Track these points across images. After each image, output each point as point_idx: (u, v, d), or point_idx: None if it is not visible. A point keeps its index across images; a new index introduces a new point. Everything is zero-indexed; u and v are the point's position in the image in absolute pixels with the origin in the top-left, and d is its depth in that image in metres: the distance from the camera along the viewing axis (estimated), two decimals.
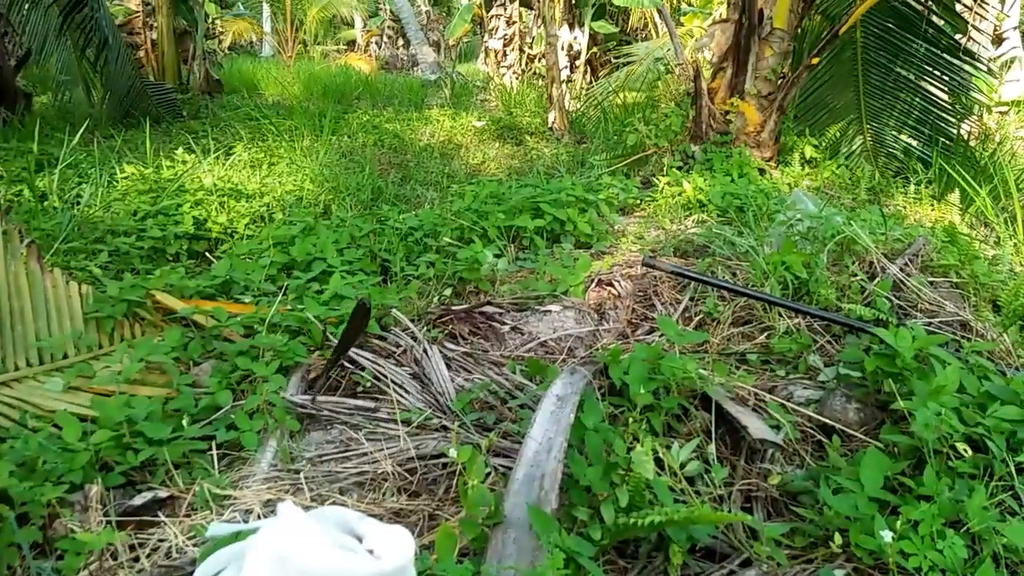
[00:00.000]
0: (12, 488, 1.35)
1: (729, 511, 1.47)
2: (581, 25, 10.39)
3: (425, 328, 2.28)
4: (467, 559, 1.28)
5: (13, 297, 2.01)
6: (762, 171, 4.46)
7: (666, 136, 4.94)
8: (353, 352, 2.06)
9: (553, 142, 7.20)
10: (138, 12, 8.49)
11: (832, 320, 2.12)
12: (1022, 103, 7.03)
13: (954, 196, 4.12)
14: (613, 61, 10.09)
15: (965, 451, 1.43)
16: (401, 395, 1.88)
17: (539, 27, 10.31)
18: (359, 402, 1.87)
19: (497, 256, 3.00)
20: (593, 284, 2.68)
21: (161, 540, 1.38)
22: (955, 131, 4.97)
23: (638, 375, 1.74)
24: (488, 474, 1.55)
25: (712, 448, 1.65)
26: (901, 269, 2.47)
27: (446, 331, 2.31)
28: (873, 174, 4.76)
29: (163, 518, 1.43)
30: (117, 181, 4.23)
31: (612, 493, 1.37)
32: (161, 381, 1.90)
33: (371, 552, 0.88)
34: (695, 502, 1.48)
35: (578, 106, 8.76)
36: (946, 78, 4.90)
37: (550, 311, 2.49)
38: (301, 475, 1.59)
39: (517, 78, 11.16)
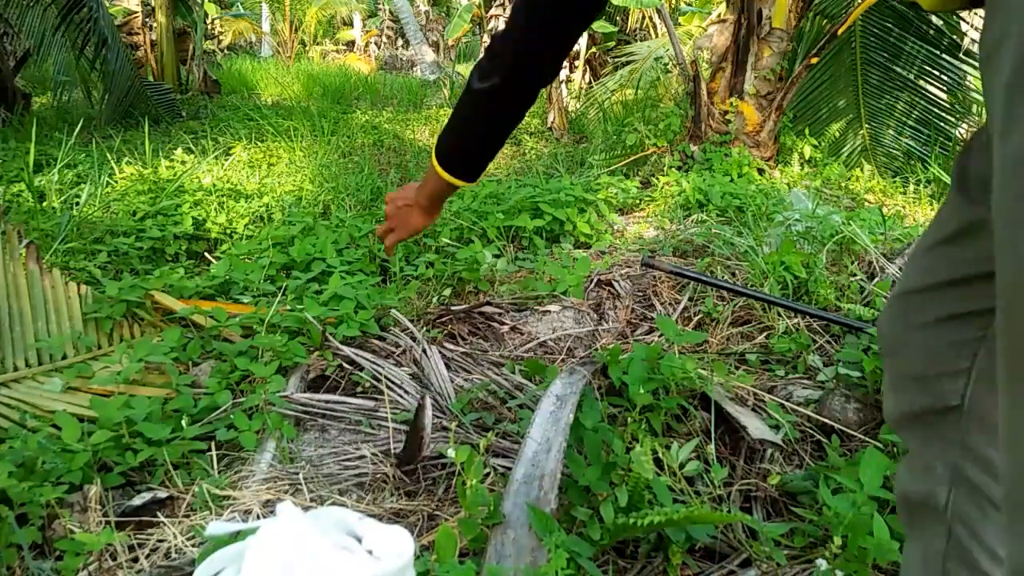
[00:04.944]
0: (11, 489, 1.35)
1: (728, 511, 1.47)
2: None
3: (424, 328, 2.28)
4: (467, 559, 1.28)
5: (12, 298, 2.01)
6: (761, 171, 4.46)
7: (665, 136, 4.94)
8: (352, 352, 2.06)
9: (552, 142, 7.21)
10: (137, 12, 8.50)
11: (831, 320, 2.12)
12: None
13: None
14: (612, 61, 10.10)
15: None
16: (400, 395, 1.88)
17: None
18: (359, 402, 1.87)
19: (496, 256, 3.00)
20: (592, 284, 2.68)
21: (160, 540, 1.38)
22: (954, 131, 4.97)
23: (637, 375, 1.74)
24: (487, 474, 1.55)
25: (711, 448, 1.65)
26: (900, 269, 2.47)
27: (445, 331, 2.31)
28: (872, 174, 4.77)
29: (162, 518, 1.43)
30: (116, 181, 4.23)
31: (611, 493, 1.37)
32: (160, 381, 1.90)
33: (370, 553, 0.88)
34: (694, 502, 1.48)
35: (577, 106, 8.77)
36: (945, 78, 4.91)
37: (549, 311, 2.49)
38: (300, 475, 1.59)
39: None
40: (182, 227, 3.52)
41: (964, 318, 0.76)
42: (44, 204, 3.84)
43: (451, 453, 1.37)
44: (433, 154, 1.30)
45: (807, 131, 5.07)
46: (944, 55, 4.78)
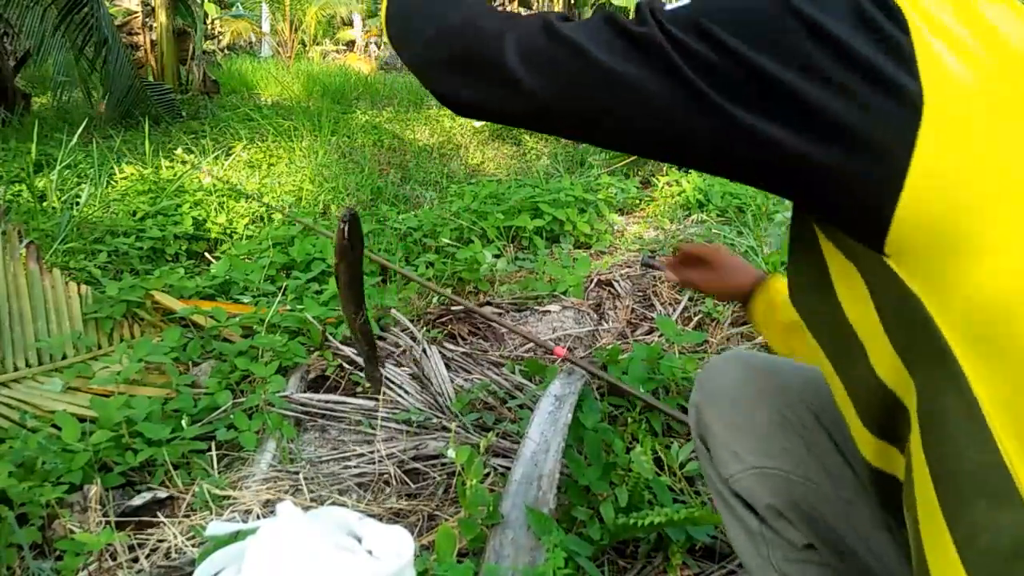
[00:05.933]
0: (11, 489, 1.35)
1: None
2: None
3: (424, 328, 2.28)
4: (466, 559, 1.28)
5: (12, 298, 2.02)
6: None
7: None
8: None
9: (552, 142, 7.20)
10: (137, 12, 8.49)
11: None
12: None
13: None
14: None
15: None
16: (400, 395, 1.88)
17: None
18: (359, 402, 1.87)
19: (496, 256, 3.00)
20: (592, 284, 2.68)
21: (160, 540, 1.38)
22: None
23: (637, 375, 1.74)
24: (487, 474, 1.56)
25: None
26: None
27: (445, 331, 2.31)
28: None
29: (162, 518, 1.43)
30: (116, 181, 4.23)
31: (611, 493, 1.37)
32: (160, 381, 1.90)
33: (370, 553, 0.88)
34: (694, 502, 1.48)
35: None
36: None
37: (549, 311, 2.49)
38: (300, 475, 1.59)
39: None
40: (182, 227, 3.51)
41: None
42: (44, 204, 3.83)
43: (451, 453, 1.37)
44: None
45: None
46: None
